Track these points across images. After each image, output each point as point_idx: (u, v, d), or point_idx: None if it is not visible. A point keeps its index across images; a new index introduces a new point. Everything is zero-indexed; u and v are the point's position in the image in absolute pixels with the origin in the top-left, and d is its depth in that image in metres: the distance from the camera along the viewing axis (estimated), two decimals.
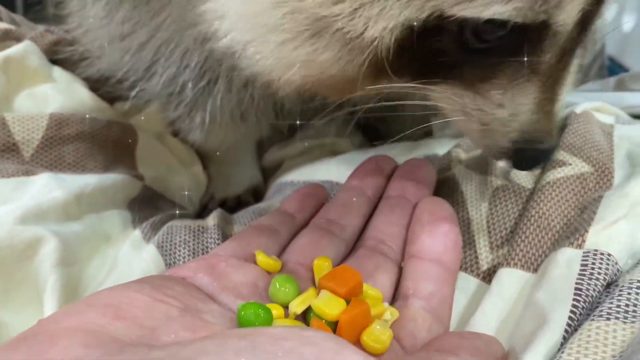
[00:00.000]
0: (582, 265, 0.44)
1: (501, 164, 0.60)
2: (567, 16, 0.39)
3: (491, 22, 0.38)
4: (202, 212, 0.77)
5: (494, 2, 0.36)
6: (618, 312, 0.39)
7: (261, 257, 0.46)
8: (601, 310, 0.39)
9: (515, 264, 0.49)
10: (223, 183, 0.81)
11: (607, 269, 0.43)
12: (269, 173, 0.85)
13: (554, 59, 0.42)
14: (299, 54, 0.41)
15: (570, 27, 0.40)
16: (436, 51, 0.41)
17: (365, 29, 0.38)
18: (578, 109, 0.64)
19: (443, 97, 0.46)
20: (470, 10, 0.37)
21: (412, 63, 0.42)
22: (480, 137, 0.47)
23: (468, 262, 0.52)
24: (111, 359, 0.28)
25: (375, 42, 0.39)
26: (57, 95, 0.70)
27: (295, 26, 0.40)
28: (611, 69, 1.27)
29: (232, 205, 0.78)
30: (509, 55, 0.41)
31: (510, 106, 0.44)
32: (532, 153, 0.46)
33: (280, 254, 0.49)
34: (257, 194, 0.82)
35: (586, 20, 0.41)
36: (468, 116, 0.46)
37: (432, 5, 0.37)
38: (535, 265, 0.49)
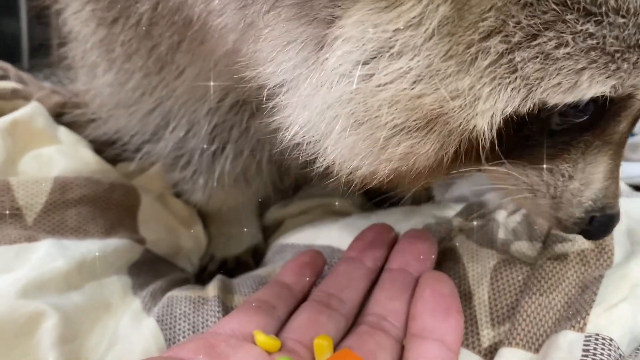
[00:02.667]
0: (584, 350, 0.44)
1: (503, 237, 0.60)
2: None
3: (577, 104, 0.39)
4: (201, 273, 0.77)
5: (595, 82, 0.37)
6: None
7: (260, 337, 0.46)
8: None
9: (517, 344, 0.49)
10: (223, 243, 0.81)
11: (609, 354, 0.43)
12: (269, 232, 0.86)
13: (626, 128, 0.43)
14: (401, 148, 0.40)
15: None
16: (523, 136, 0.42)
17: (473, 121, 0.38)
18: None
19: (506, 176, 0.46)
20: (574, 95, 0.38)
21: (498, 148, 0.42)
22: (551, 211, 0.47)
23: (469, 339, 0.52)
24: None
25: (479, 133, 0.39)
26: (62, 157, 0.70)
27: (405, 122, 0.39)
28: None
29: (232, 266, 0.78)
30: (586, 131, 0.43)
31: (581, 177, 0.45)
32: (605, 220, 0.46)
33: (279, 331, 0.49)
34: (257, 254, 0.82)
35: None
36: (535, 193, 0.46)
37: (539, 98, 0.38)
38: (536, 345, 0.48)
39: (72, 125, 0.78)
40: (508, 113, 0.38)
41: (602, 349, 0.44)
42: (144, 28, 0.55)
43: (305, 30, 0.39)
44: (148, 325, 0.53)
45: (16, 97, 0.80)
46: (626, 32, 0.36)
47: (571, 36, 0.35)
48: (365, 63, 0.37)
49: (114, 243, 0.63)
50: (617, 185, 0.46)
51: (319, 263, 0.58)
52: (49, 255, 0.57)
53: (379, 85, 0.37)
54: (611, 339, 0.44)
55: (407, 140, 0.40)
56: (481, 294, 0.54)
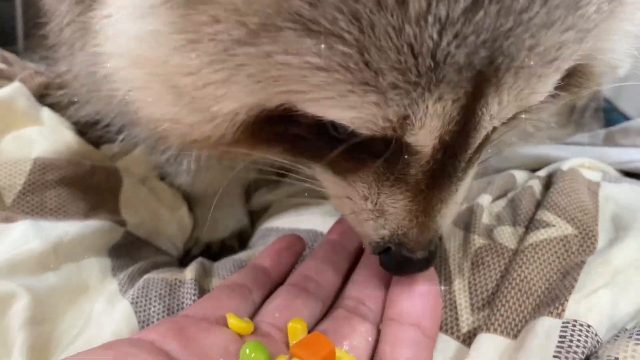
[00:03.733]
0: (560, 336, 0.43)
1: (487, 221, 0.59)
2: (421, 140, 0.37)
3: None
4: (185, 256, 0.76)
5: (336, 106, 0.35)
6: None
7: (232, 320, 0.45)
8: None
9: (495, 330, 0.48)
10: (209, 227, 0.81)
11: (586, 340, 0.43)
12: (256, 216, 0.85)
13: (421, 175, 0.40)
14: (167, 112, 0.41)
15: (430, 151, 0.38)
16: (298, 133, 0.41)
17: (216, 104, 0.38)
18: (565, 166, 0.64)
19: (322, 178, 0.47)
20: (316, 109, 0.36)
21: (278, 138, 0.42)
22: (354, 223, 0.47)
23: (449, 323, 0.51)
24: None
25: (227, 118, 0.39)
26: (43, 139, 0.69)
27: (159, 87, 0.40)
28: (607, 111, 1.28)
29: (217, 250, 0.77)
30: (372, 157, 0.41)
31: (376, 201, 0.43)
32: (399, 258, 0.44)
33: (253, 315, 0.49)
34: (242, 238, 0.81)
35: (453, 148, 0.39)
36: (341, 201, 0.46)
37: (281, 99, 0.37)
38: (515, 331, 0.48)
39: (55, 107, 0.77)
40: (250, 105, 0.38)
41: (579, 335, 0.43)
42: None
43: None
44: (121, 308, 0.52)
45: (0, 78, 0.79)
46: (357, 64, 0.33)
47: (299, 47, 0.34)
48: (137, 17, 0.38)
49: (94, 224, 0.62)
50: (423, 233, 0.43)
51: (297, 247, 0.57)
52: (23, 236, 0.56)
53: (128, 45, 0.39)
54: (589, 325, 0.43)
55: (169, 108, 0.41)
56: (461, 279, 0.54)
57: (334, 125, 0.39)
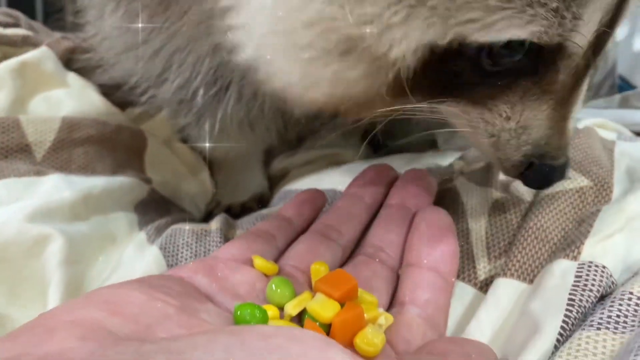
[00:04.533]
0: (576, 276, 0.44)
1: (504, 177, 0.60)
2: (581, 38, 0.39)
3: (507, 46, 0.39)
4: (207, 218, 0.78)
5: (513, 25, 0.37)
6: (609, 322, 0.39)
7: (259, 261, 0.47)
8: (592, 320, 0.40)
9: (512, 275, 0.49)
10: (230, 190, 0.83)
11: (601, 280, 0.44)
12: (274, 181, 0.87)
13: (567, 79, 0.43)
14: (328, 71, 0.43)
15: (585, 48, 0.41)
16: (453, 73, 0.42)
17: (390, 49, 0.40)
18: (581, 125, 0.65)
19: (451, 112, 0.47)
20: (492, 34, 0.38)
21: (429, 83, 0.43)
22: (492, 149, 0.48)
23: (466, 272, 0.52)
24: (104, 351, 0.29)
25: (399, 62, 0.40)
26: (70, 99, 0.71)
27: (326, 45, 0.41)
28: (621, 88, 1.28)
29: (237, 212, 0.79)
30: (523, 77, 0.42)
31: (519, 119, 0.44)
32: (544, 169, 0.46)
33: (277, 259, 0.50)
34: (262, 202, 0.83)
35: (600, 41, 0.42)
36: (476, 129, 0.47)
37: (455, 31, 0.38)
38: (531, 276, 0.49)
39: (81, 71, 0.79)
40: (424, 44, 0.39)
41: (595, 275, 0.44)
42: None
43: None
44: (151, 253, 0.54)
45: (26, 44, 0.81)
46: None
47: None
48: None
49: (121, 180, 0.64)
50: (563, 137, 0.45)
51: (318, 201, 0.59)
52: (56, 187, 0.58)
53: (297, 7, 0.40)
54: (604, 266, 0.45)
55: (333, 65, 0.41)
56: (479, 230, 0.55)
57: (492, 55, 0.40)
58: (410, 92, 0.43)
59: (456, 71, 0.42)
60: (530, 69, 0.42)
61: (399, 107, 0.46)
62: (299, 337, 0.30)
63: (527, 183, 0.48)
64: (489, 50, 0.40)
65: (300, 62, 0.43)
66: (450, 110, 0.47)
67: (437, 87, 0.44)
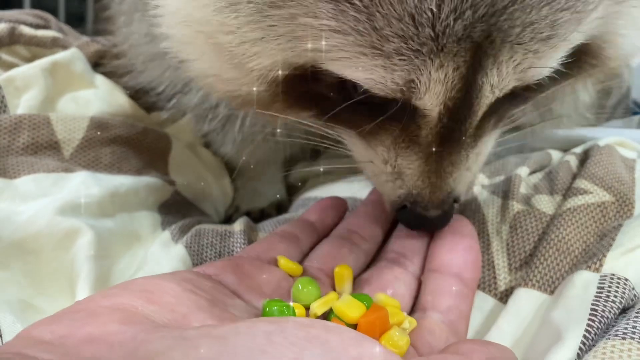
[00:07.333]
0: (598, 287, 0.45)
1: (525, 190, 0.61)
2: (427, 104, 0.40)
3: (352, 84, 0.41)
4: (226, 222, 0.79)
5: (350, 66, 0.39)
6: (634, 332, 0.39)
7: (283, 261, 0.48)
8: (617, 330, 0.40)
9: (533, 285, 0.50)
10: (249, 196, 0.84)
11: (623, 292, 0.44)
12: (293, 189, 0.88)
13: (432, 137, 0.43)
14: (210, 68, 0.46)
15: (437, 115, 0.41)
16: (323, 95, 0.44)
17: (250, 60, 0.42)
18: (601, 142, 0.66)
19: (348, 142, 0.50)
20: (336, 68, 0.40)
21: (307, 101, 0.46)
22: (376, 184, 0.50)
23: (486, 282, 0.53)
24: (147, 335, 0.30)
25: (261, 74, 0.43)
26: (98, 100, 0.73)
27: (203, 45, 0.44)
28: (635, 114, 1.28)
29: (256, 217, 0.80)
30: (393, 121, 0.44)
31: (394, 164, 0.46)
32: (416, 215, 0.47)
33: (301, 261, 0.51)
34: (280, 209, 0.84)
35: (458, 114, 0.42)
36: (365, 164, 0.49)
37: (308, 56, 0.40)
38: (552, 287, 0.50)
39: (110, 76, 0.81)
40: (281, 63, 0.41)
41: (617, 287, 0.44)
42: None
43: None
44: (176, 251, 0.55)
45: (56, 46, 0.83)
46: (378, 22, 0.36)
47: (317, 10, 0.37)
48: None
49: (146, 180, 0.66)
50: (435, 192, 0.46)
51: (340, 207, 0.60)
52: (84, 183, 0.59)
53: (178, 5, 0.43)
54: (626, 279, 0.45)
55: (212, 63, 0.45)
56: (500, 241, 0.55)
57: (355, 86, 0.41)
58: (290, 105, 0.46)
59: (324, 93, 0.44)
60: (396, 115, 0.42)
61: (292, 119, 0.48)
62: (335, 329, 0.31)
63: (400, 221, 0.51)
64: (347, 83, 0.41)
65: (191, 55, 0.46)
66: (349, 140, 0.49)
67: (316, 107, 0.46)
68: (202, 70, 0.47)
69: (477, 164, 0.48)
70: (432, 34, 0.36)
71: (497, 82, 0.40)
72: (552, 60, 0.41)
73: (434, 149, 0.44)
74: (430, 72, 0.38)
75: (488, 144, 0.49)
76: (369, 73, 0.39)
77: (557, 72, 0.43)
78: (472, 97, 0.41)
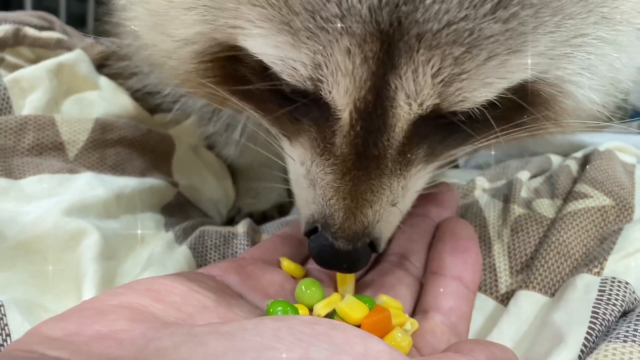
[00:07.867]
0: (599, 291, 0.46)
1: (525, 194, 0.62)
2: (336, 99, 0.37)
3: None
4: (228, 224, 0.79)
5: (265, 43, 0.37)
6: (635, 335, 0.40)
7: (286, 263, 0.48)
8: (618, 333, 0.40)
9: (534, 287, 0.50)
10: (251, 198, 0.84)
11: (624, 296, 0.45)
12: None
13: (346, 149, 0.39)
14: (149, 38, 0.47)
15: (347, 116, 0.38)
16: (247, 81, 0.42)
17: (178, 29, 0.42)
18: (601, 147, 0.67)
19: (276, 135, 0.46)
20: (251, 44, 0.38)
21: (234, 86, 0.43)
22: (295, 193, 0.46)
23: (487, 284, 0.54)
24: (156, 332, 0.31)
25: (187, 43, 0.42)
26: (102, 102, 0.73)
27: (146, 16, 0.45)
28: (634, 117, 1.29)
29: (258, 220, 0.80)
30: (309, 118, 0.41)
31: (309, 168, 0.42)
32: (323, 243, 0.41)
33: (304, 263, 0.52)
34: (282, 211, 0.84)
35: (371, 123, 0.38)
36: (287, 163, 0.46)
37: (227, 33, 0.39)
38: (553, 289, 0.50)
39: (115, 77, 0.81)
40: (199, 33, 0.41)
41: (618, 290, 0.45)
42: None
43: None
44: (182, 252, 0.55)
45: (60, 47, 0.83)
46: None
47: None
48: None
49: (150, 182, 0.66)
50: (348, 217, 0.41)
51: None
52: (89, 184, 0.60)
53: None
54: (627, 283, 0.46)
55: (148, 33, 0.46)
56: (501, 244, 0.56)
57: (275, 75, 0.39)
58: (217, 83, 0.44)
59: (249, 76, 0.42)
60: (311, 113, 0.40)
61: (232, 104, 0.45)
62: (341, 326, 0.31)
63: (311, 252, 0.43)
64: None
65: (141, 29, 0.47)
66: (278, 135, 0.45)
67: (244, 92, 0.43)
68: (146, 42, 0.48)
69: (404, 201, 0.43)
70: (338, 11, 0.34)
71: (413, 90, 0.36)
72: (483, 84, 0.36)
73: (350, 166, 0.40)
74: (337, 58, 0.35)
75: (418, 181, 0.44)
76: (279, 50, 0.36)
77: (503, 117, 0.39)
78: (385, 104, 0.37)
